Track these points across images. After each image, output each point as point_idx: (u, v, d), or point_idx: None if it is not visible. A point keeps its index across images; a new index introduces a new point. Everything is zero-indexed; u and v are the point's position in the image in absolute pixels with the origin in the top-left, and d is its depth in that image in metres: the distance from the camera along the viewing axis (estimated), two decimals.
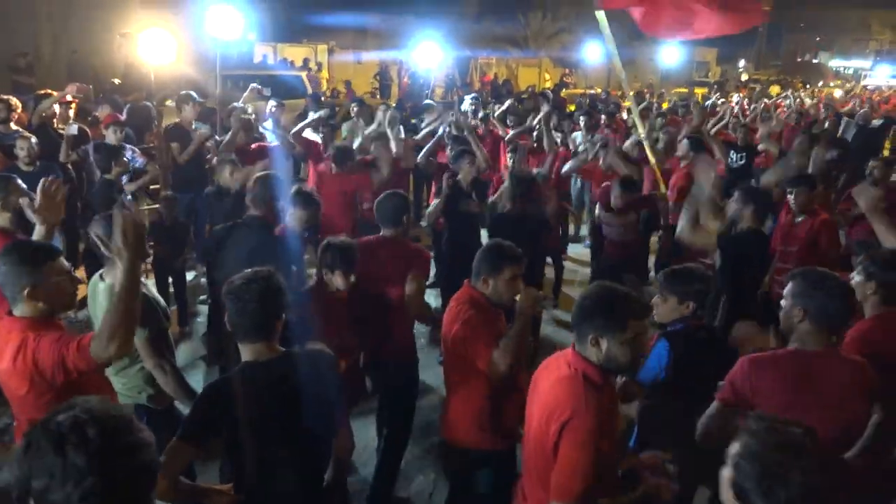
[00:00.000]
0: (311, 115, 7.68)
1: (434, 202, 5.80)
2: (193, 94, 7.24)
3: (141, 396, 3.26)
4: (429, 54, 13.89)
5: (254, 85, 8.26)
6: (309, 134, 7.36)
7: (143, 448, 1.46)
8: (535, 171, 6.51)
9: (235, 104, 7.43)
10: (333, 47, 26.48)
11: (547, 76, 33.71)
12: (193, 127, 7.07)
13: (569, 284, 7.19)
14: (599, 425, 2.15)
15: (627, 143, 7.64)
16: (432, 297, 6.20)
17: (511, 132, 7.86)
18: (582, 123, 9.07)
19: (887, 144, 9.61)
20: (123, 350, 2.35)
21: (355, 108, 9.84)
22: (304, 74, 14.62)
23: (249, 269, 2.47)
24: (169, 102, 7.91)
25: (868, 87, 32.24)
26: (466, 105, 9.66)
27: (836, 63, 54.43)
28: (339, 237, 3.63)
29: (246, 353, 2.43)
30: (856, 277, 3.02)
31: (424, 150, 6.90)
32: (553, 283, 6.89)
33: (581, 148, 8.33)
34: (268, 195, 4.15)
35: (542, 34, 36.92)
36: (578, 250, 8.45)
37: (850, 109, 13.98)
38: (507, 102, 10.14)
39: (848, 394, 2.50)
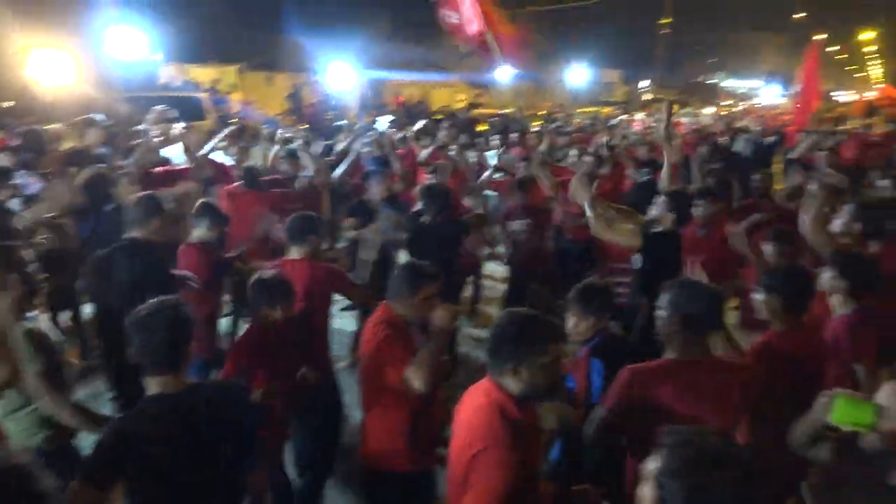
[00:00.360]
0: (219, 135, 7.51)
1: (349, 223, 5.77)
2: (99, 116, 6.94)
3: (35, 439, 3.08)
4: (341, 75, 13.84)
5: (159, 107, 8.00)
6: (219, 156, 7.19)
7: (46, 498, 1.39)
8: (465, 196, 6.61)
9: (139, 127, 7.17)
10: (243, 68, 26.01)
11: (460, 96, 34.27)
12: (99, 151, 6.75)
13: (487, 302, 7.27)
14: (513, 456, 2.12)
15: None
16: (349, 320, 6.14)
17: (422, 153, 7.90)
18: (496, 142, 9.28)
19: (777, 160, 10.29)
20: (12, 379, 2.23)
21: (267, 131, 9.70)
22: (204, 96, 14.15)
23: (155, 299, 2.39)
24: (59, 126, 7.48)
25: (759, 105, 34.47)
26: (383, 126, 9.70)
27: (730, 83, 57.90)
28: (267, 272, 3.55)
29: (153, 385, 2.34)
30: (757, 295, 3.11)
31: (340, 169, 6.85)
32: (471, 300, 6.96)
33: (492, 160, 8.53)
34: (147, 215, 3.95)
35: (454, 55, 37.49)
36: (494, 268, 8.56)
37: (743, 125, 14.89)
38: (422, 122, 10.19)
39: (730, 399, 2.57)
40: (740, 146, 10.57)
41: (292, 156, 6.68)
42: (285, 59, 29.93)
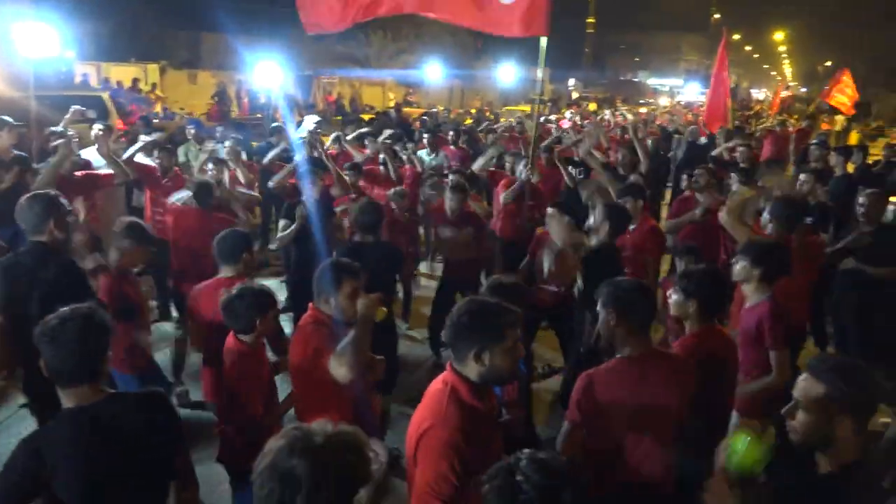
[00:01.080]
0: (143, 139, 7.27)
1: (282, 224, 5.65)
2: (8, 118, 6.55)
3: None
4: (268, 74, 13.50)
5: (76, 107, 7.63)
6: (141, 158, 6.92)
7: None
8: (387, 192, 6.56)
9: (53, 128, 6.83)
10: (165, 66, 25.18)
11: (391, 95, 34.16)
12: (13, 155, 6.39)
13: (423, 302, 7.20)
14: (460, 439, 2.13)
15: (478, 163, 7.87)
16: (285, 323, 6.00)
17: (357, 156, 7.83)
18: (426, 142, 9.26)
19: None
20: None
21: (192, 131, 9.43)
22: (105, 95, 13.45)
23: (66, 307, 2.26)
24: None
25: (682, 103, 35.69)
26: (309, 126, 9.55)
27: (653, 81, 59.82)
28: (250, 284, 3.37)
29: (68, 398, 2.22)
30: (674, 297, 3.22)
31: (278, 175, 6.69)
32: (402, 302, 6.90)
33: (429, 162, 8.54)
34: (40, 218, 3.56)
35: (384, 54, 37.37)
36: (434, 266, 8.55)
37: (666, 121, 15.44)
38: (364, 129, 10.02)
39: (676, 388, 2.67)
40: (681, 149, 10.96)
41: (220, 163, 6.47)
42: (209, 57, 29.17)
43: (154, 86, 22.72)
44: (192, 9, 24.59)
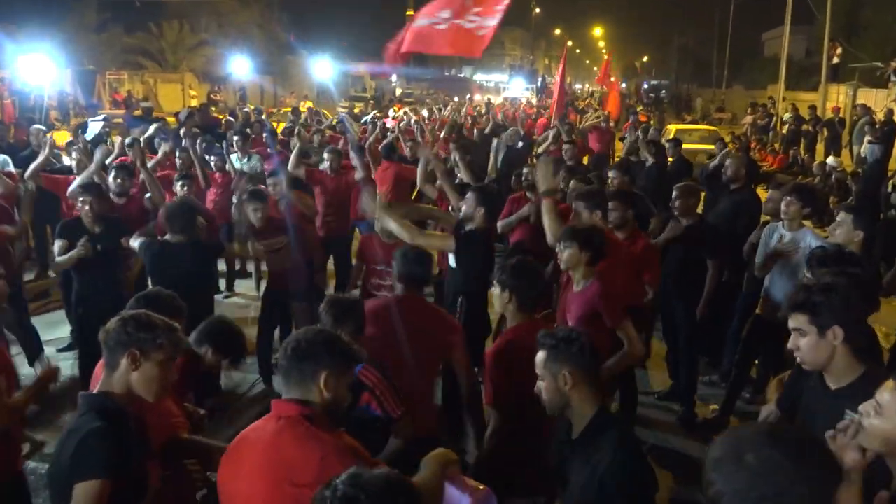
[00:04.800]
0: None
1: (59, 245, 5.16)
2: None
3: None
4: (37, 69, 12.46)
5: None
6: None
7: None
8: None
9: None
10: None
11: (192, 93, 32.69)
12: None
13: (242, 322, 6.95)
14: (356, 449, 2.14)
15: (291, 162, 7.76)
16: (70, 363, 5.54)
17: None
18: (236, 145, 8.97)
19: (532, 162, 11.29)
20: None
21: None
22: None
23: None
24: None
25: (509, 99, 37.43)
26: (95, 130, 8.92)
27: (479, 77, 62.42)
28: None
29: None
30: (495, 291, 3.38)
31: (74, 184, 6.12)
32: None
33: (240, 166, 8.29)
34: None
35: (181, 46, 35.70)
36: (250, 284, 8.31)
37: (488, 120, 16.27)
38: (153, 127, 9.49)
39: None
40: (501, 152, 11.54)
41: None
42: None
43: None
44: None
